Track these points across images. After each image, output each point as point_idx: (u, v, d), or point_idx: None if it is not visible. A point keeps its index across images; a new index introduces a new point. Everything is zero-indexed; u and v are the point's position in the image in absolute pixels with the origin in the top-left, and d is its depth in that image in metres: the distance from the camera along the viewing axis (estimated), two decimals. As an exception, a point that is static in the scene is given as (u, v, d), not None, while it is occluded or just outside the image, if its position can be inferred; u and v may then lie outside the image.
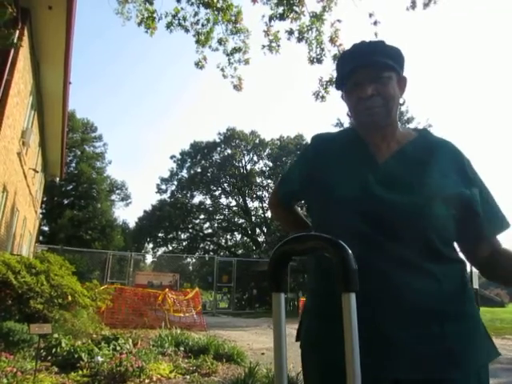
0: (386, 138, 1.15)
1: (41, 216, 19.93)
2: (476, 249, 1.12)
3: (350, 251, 0.65)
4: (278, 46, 5.01)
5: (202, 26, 5.39)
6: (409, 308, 0.96)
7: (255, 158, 35.84)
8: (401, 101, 1.18)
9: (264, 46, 5.03)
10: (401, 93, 1.17)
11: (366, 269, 0.86)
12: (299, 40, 5.06)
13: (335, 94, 5.24)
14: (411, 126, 26.78)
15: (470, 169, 1.13)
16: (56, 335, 5.12)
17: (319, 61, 5.11)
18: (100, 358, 4.59)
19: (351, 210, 1.05)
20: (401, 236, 1.01)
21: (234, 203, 35.92)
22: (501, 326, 12.80)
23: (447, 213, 1.03)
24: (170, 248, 34.75)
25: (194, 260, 35.82)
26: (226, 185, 35.50)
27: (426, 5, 4.85)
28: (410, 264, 0.99)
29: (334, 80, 5.16)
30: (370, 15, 5.04)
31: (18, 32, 5.55)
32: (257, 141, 35.59)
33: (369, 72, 1.10)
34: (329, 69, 5.25)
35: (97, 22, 61.85)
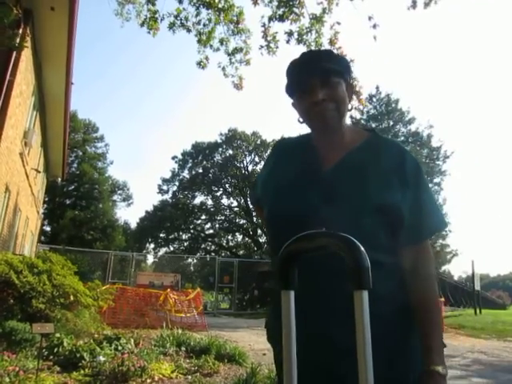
0: (334, 145, 1.17)
1: (43, 216, 19.96)
2: (399, 258, 1.08)
3: (363, 248, 0.65)
4: (277, 47, 5.00)
5: (204, 26, 5.40)
6: (339, 312, 0.96)
7: (257, 159, 35.87)
8: (349, 106, 1.20)
9: (262, 47, 5.03)
10: (349, 99, 1.19)
11: (306, 279, 0.88)
12: (299, 42, 5.06)
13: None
14: (412, 126, 26.76)
15: (411, 171, 1.12)
16: (58, 335, 5.12)
17: None
18: (102, 358, 4.59)
19: (289, 226, 1.03)
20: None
21: (235, 204, 35.97)
22: (503, 328, 12.76)
23: (378, 223, 1.05)
24: (172, 248, 34.79)
25: (195, 260, 35.84)
26: (227, 185, 35.52)
27: (426, 4, 4.84)
28: (339, 272, 0.96)
29: None
30: (370, 18, 5.04)
31: (21, 33, 5.57)
32: (258, 141, 35.60)
33: (318, 77, 1.13)
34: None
35: (99, 23, 62.01)
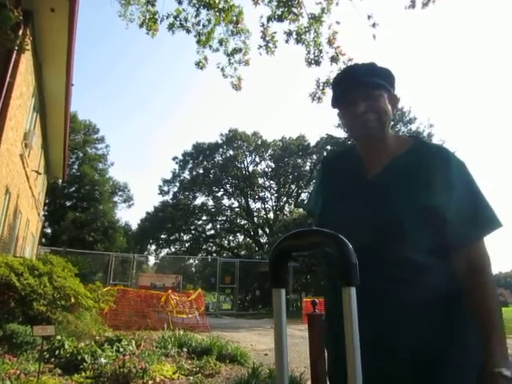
0: (379, 153, 1.23)
1: (43, 218, 19.99)
2: (451, 261, 1.10)
3: (351, 246, 0.65)
4: (275, 47, 5.01)
5: (203, 26, 5.40)
6: (384, 313, 1.05)
7: (257, 159, 35.92)
8: (392, 116, 1.25)
9: (260, 47, 5.03)
10: (392, 109, 1.24)
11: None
12: (297, 41, 5.06)
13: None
14: (413, 126, 26.74)
15: (457, 175, 1.13)
16: (59, 337, 5.12)
17: (317, 62, 5.11)
18: (103, 360, 4.59)
19: (335, 230, 1.06)
20: (378, 250, 1.09)
21: (236, 204, 35.98)
22: (505, 325, 12.71)
23: (421, 225, 1.08)
24: (173, 249, 34.82)
25: (196, 261, 35.83)
26: (228, 186, 35.54)
27: (424, 4, 4.84)
28: (386, 275, 1.07)
29: (331, 81, 5.16)
30: (369, 17, 5.03)
31: (21, 35, 5.58)
32: (259, 142, 35.62)
33: (361, 91, 1.19)
34: (326, 70, 5.21)
35: (100, 25, 62.08)
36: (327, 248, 0.67)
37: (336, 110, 1.33)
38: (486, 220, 1.11)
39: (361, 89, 1.19)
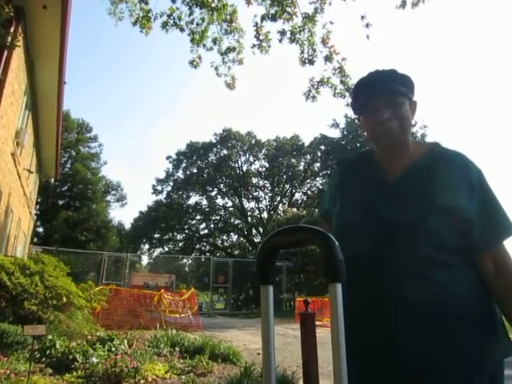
0: (400, 157, 1.26)
1: (35, 217, 19.83)
2: (477, 260, 1.14)
3: (337, 242, 0.66)
4: (269, 46, 5.01)
5: (197, 25, 5.38)
6: (410, 311, 1.07)
7: (251, 159, 35.90)
8: (412, 122, 1.29)
9: (254, 45, 5.03)
10: (412, 116, 1.27)
11: (373, 281, 1.09)
12: (291, 41, 5.07)
13: (327, 95, 5.25)
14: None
15: (477, 180, 1.17)
16: (50, 336, 5.09)
17: (311, 62, 5.12)
18: (95, 359, 4.57)
19: (356, 232, 1.19)
20: (400, 249, 1.11)
21: (230, 204, 35.94)
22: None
23: (443, 224, 1.11)
24: (166, 249, 34.70)
25: (190, 261, 35.79)
26: (222, 185, 35.49)
27: (414, 4, 4.87)
28: (409, 273, 1.10)
29: (325, 80, 5.19)
30: (362, 17, 5.05)
31: (12, 31, 5.53)
32: (253, 141, 35.62)
33: (384, 98, 1.23)
34: (320, 69, 5.21)
35: (94, 24, 61.67)
36: (314, 245, 0.68)
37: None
38: (506, 224, 1.16)
39: (384, 96, 1.23)
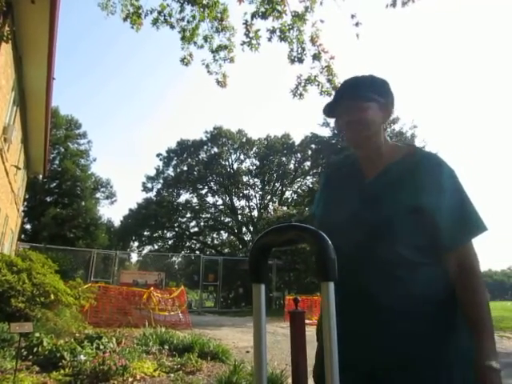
0: (375, 159, 1.30)
1: (23, 214, 19.56)
2: (444, 260, 1.16)
3: (330, 241, 0.66)
4: (258, 44, 4.99)
5: (188, 22, 5.34)
6: (382, 311, 1.12)
7: (242, 157, 35.86)
8: (385, 124, 1.33)
9: (244, 43, 5.00)
10: (384, 118, 1.30)
11: (350, 282, 1.08)
12: (281, 39, 5.05)
13: (316, 93, 5.25)
14: (396, 126, 27.07)
15: (448, 180, 1.19)
16: (38, 334, 5.04)
17: (300, 60, 5.12)
18: (83, 357, 4.54)
19: (334, 232, 1.14)
20: (372, 249, 1.16)
21: (220, 202, 35.90)
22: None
23: (412, 224, 1.14)
24: (156, 247, 34.52)
25: (179, 259, 35.64)
26: (212, 183, 35.40)
27: (404, 3, 4.88)
28: (380, 273, 1.14)
29: (312, 79, 5.20)
30: (352, 16, 5.05)
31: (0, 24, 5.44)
32: (244, 139, 35.57)
33: (346, 104, 1.28)
34: (308, 68, 5.20)
35: (85, 21, 60.91)
36: (306, 243, 0.68)
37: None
38: (473, 224, 1.17)
39: (346, 101, 1.28)
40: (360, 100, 1.27)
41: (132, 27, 5.29)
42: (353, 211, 1.23)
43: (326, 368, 0.59)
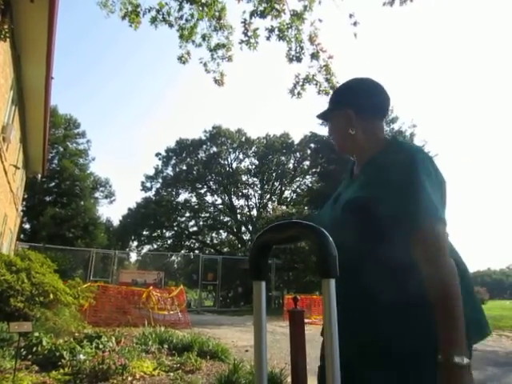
0: (358, 159, 1.37)
1: (22, 213, 19.54)
2: (408, 248, 1.10)
3: (331, 238, 0.66)
4: (257, 42, 4.99)
5: (186, 21, 5.33)
6: (351, 304, 1.05)
7: (241, 156, 35.87)
8: (353, 131, 1.34)
9: (242, 42, 5.00)
10: (361, 121, 1.32)
11: None
12: (279, 38, 5.05)
13: (313, 92, 5.25)
14: (396, 125, 27.07)
15: (401, 170, 1.14)
16: (37, 334, 5.03)
17: (298, 59, 5.12)
18: (82, 357, 4.53)
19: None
20: (338, 245, 1.10)
21: (219, 201, 35.89)
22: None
23: (354, 215, 1.16)
24: (155, 246, 34.51)
25: (179, 258, 35.62)
26: (211, 183, 35.40)
27: (402, 2, 4.89)
28: (346, 268, 1.06)
29: (310, 78, 5.21)
30: (351, 16, 5.05)
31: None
32: (243, 139, 35.56)
33: (328, 114, 1.43)
34: (306, 67, 5.20)
35: (85, 21, 60.82)
36: (307, 240, 0.68)
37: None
38: (428, 213, 1.08)
39: (328, 112, 1.43)
40: (330, 113, 1.41)
41: (130, 25, 5.29)
42: (327, 213, 1.32)
43: (326, 363, 0.59)
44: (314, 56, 5.17)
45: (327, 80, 5.24)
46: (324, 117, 1.45)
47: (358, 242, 1.12)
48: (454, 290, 1.01)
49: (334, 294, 0.61)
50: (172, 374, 4.40)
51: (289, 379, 3.63)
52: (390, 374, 1.02)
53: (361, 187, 1.22)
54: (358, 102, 1.32)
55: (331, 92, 5.23)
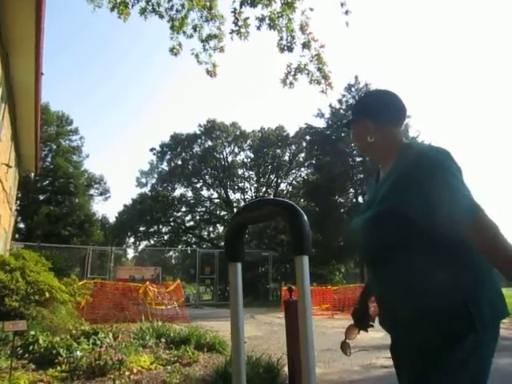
0: (382, 164, 1.51)
1: (16, 213, 19.43)
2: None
3: (304, 215, 0.64)
4: (248, 32, 4.92)
5: (177, 11, 5.26)
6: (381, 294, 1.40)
7: (236, 150, 35.73)
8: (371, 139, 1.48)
9: (233, 31, 4.94)
10: (378, 129, 1.45)
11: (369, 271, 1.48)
12: (270, 27, 4.99)
13: (305, 82, 5.20)
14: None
15: (423, 173, 1.24)
16: (33, 332, 5.01)
17: (290, 49, 5.06)
18: (79, 353, 4.52)
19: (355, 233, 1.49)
20: (366, 246, 1.41)
21: (215, 195, 35.82)
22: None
23: (386, 224, 1.29)
24: (152, 242, 34.45)
25: (176, 253, 35.64)
26: (207, 177, 35.30)
27: None
28: (375, 264, 1.39)
29: (302, 67, 5.16)
30: (342, 4, 5.00)
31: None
32: (238, 132, 35.42)
33: (351, 125, 1.60)
34: (298, 56, 5.15)
35: (77, 17, 60.06)
36: (281, 218, 0.66)
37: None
38: (460, 210, 1.17)
39: (351, 123, 1.59)
40: (352, 123, 1.56)
41: (119, 17, 5.21)
42: (360, 217, 1.45)
43: (300, 340, 0.58)
44: (306, 45, 5.12)
45: (319, 69, 5.20)
46: (347, 126, 1.61)
47: (393, 242, 1.27)
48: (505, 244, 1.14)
49: (308, 271, 0.60)
50: (169, 367, 4.41)
51: (286, 368, 3.64)
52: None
53: (389, 194, 1.32)
54: (375, 113, 1.47)
55: (323, 81, 5.20)
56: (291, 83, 5.20)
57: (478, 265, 1.21)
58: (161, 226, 35.21)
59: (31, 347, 4.74)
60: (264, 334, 8.08)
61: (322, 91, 5.23)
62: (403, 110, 1.50)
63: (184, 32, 5.44)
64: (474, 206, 1.18)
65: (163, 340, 5.76)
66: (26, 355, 4.63)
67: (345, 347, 1.60)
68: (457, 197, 1.19)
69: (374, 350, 5.86)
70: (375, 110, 1.48)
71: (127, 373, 4.06)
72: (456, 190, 1.20)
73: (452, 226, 1.17)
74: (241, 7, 4.81)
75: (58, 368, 4.24)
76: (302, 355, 0.57)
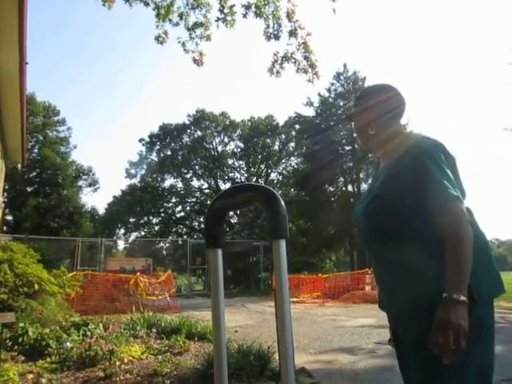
0: (382, 154, 1.60)
1: (3, 205, 19.15)
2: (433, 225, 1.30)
3: (281, 200, 0.64)
4: (234, 20, 4.86)
5: (162, -1, 5.18)
6: (379, 277, 1.52)
7: (226, 140, 35.57)
8: (372, 130, 1.57)
9: (219, 19, 4.88)
10: (371, 124, 1.54)
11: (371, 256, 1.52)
12: (256, 15, 4.93)
13: (292, 71, 5.17)
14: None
15: (417, 163, 1.32)
16: (22, 324, 4.98)
17: (276, 37, 5.02)
18: (69, 344, 4.52)
19: (354, 223, 1.63)
20: (364, 232, 1.50)
21: (205, 186, 35.71)
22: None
23: (378, 211, 1.38)
24: (143, 233, 34.32)
25: (167, 244, 35.56)
26: (197, 167, 35.13)
27: None
28: (373, 250, 1.48)
29: (289, 56, 5.12)
30: None
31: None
32: (227, 122, 35.21)
33: (352, 117, 1.68)
34: (285, 45, 5.10)
35: (63, 6, 58.69)
36: (259, 202, 0.66)
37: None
38: (441, 197, 1.25)
39: (352, 116, 1.67)
40: (354, 116, 1.63)
41: (104, 5, 5.10)
42: (360, 206, 1.54)
43: (276, 325, 0.58)
44: (292, 33, 5.08)
45: (306, 58, 5.17)
46: (349, 118, 1.69)
47: (388, 225, 1.34)
48: (465, 245, 1.19)
49: (285, 255, 0.60)
50: (160, 356, 4.42)
51: (276, 356, 3.68)
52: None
53: (383, 183, 1.43)
54: (376, 106, 1.54)
55: (310, 70, 5.17)
56: (278, 72, 5.17)
57: (474, 244, 1.24)
58: (151, 217, 35.05)
59: (20, 339, 4.72)
60: (255, 322, 8.15)
61: (309, 80, 5.21)
62: (403, 103, 1.57)
63: (170, 20, 5.36)
64: (450, 196, 1.23)
65: (154, 330, 5.78)
66: (16, 347, 4.61)
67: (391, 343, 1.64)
68: (437, 187, 1.26)
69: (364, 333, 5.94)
70: (376, 104, 1.55)
71: (118, 363, 4.07)
72: (438, 182, 1.26)
73: (431, 214, 1.24)
74: (227, -6, 4.74)
75: (48, 359, 4.24)
76: (279, 335, 0.57)
